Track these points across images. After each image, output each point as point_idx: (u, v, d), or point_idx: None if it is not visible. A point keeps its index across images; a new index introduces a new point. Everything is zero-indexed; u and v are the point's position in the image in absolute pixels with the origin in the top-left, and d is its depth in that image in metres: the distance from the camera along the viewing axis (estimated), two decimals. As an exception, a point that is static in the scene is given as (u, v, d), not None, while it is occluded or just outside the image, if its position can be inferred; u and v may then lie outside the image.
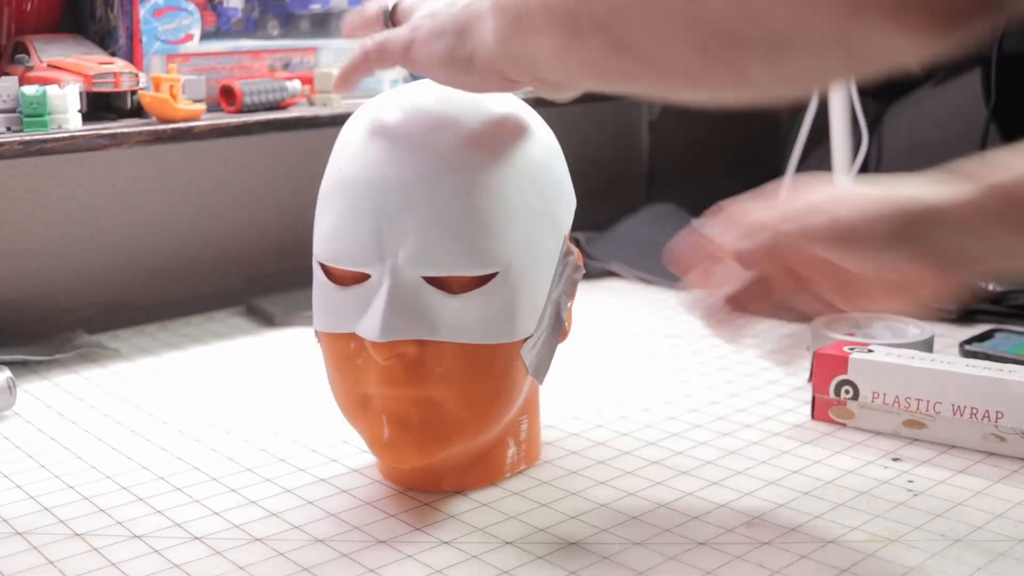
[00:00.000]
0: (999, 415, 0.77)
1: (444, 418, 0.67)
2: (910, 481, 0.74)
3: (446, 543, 0.66)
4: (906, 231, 0.61)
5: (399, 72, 1.23)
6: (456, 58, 0.61)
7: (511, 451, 0.74)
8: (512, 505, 0.71)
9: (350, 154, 0.68)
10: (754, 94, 0.52)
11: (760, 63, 0.46)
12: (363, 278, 0.66)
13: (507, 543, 0.66)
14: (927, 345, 0.91)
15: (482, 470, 0.73)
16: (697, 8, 0.45)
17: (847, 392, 0.83)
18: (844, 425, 0.84)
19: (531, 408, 0.75)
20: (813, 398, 0.85)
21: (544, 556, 0.64)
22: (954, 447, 0.79)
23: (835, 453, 0.79)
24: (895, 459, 0.78)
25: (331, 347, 0.69)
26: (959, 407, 0.79)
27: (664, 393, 0.92)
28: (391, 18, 0.68)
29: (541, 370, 0.71)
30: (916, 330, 0.94)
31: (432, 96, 0.68)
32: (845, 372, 0.83)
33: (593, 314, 1.14)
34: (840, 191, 0.65)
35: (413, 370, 0.65)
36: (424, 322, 0.65)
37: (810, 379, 0.86)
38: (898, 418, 0.81)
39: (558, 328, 0.72)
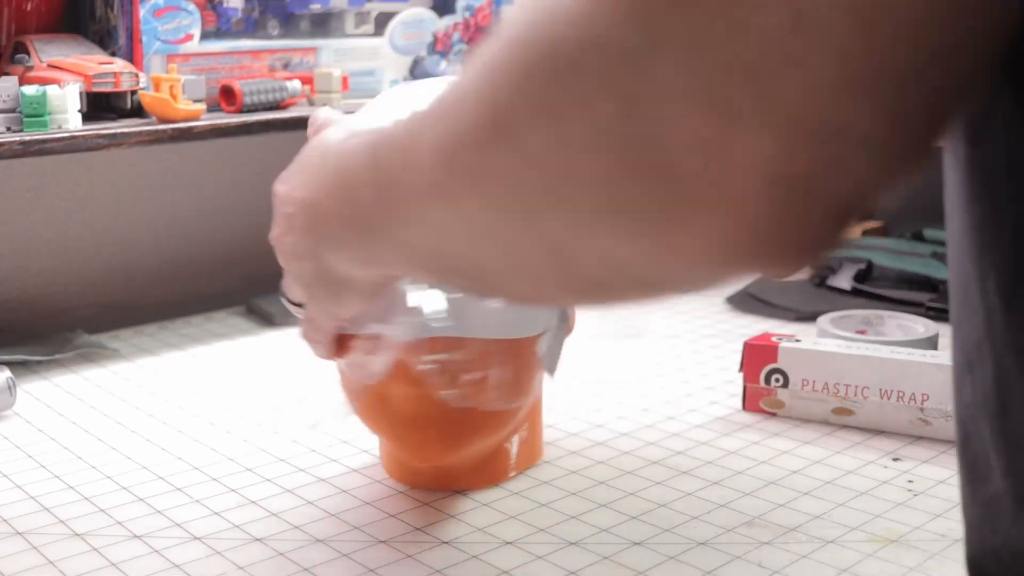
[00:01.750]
0: (924, 398, 0.78)
1: (469, 414, 0.68)
2: (910, 481, 0.74)
3: (446, 543, 0.66)
4: None
5: (399, 72, 1.23)
6: (327, 293, 0.59)
7: (514, 450, 0.75)
8: (512, 505, 0.71)
9: None
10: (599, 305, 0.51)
11: (624, 300, 0.44)
12: (393, 278, 0.67)
13: (507, 543, 0.66)
14: (931, 343, 0.92)
15: (489, 469, 0.74)
16: (565, 266, 0.41)
17: (777, 381, 0.84)
18: (775, 415, 0.85)
19: (534, 407, 0.76)
20: (744, 388, 0.86)
21: (544, 556, 0.64)
22: (883, 432, 0.81)
23: (835, 453, 0.79)
24: (895, 459, 0.78)
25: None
26: (886, 391, 0.80)
27: (664, 393, 0.92)
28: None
29: (553, 364, 0.72)
30: (922, 328, 0.94)
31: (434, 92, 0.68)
32: (775, 361, 0.84)
33: (593, 314, 1.14)
34: None
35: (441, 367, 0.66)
36: (455, 319, 0.66)
37: (740, 369, 0.87)
38: (827, 405, 0.83)
39: (564, 322, 0.73)
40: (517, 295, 0.48)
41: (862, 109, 0.31)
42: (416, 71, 1.24)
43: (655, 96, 0.33)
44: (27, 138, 0.93)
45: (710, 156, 0.33)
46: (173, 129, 1.00)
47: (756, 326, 1.11)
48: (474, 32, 1.27)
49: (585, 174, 0.36)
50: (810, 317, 1.13)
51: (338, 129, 0.56)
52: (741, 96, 0.31)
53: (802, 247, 0.36)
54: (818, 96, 0.31)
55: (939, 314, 1.10)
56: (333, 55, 1.19)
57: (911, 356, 0.81)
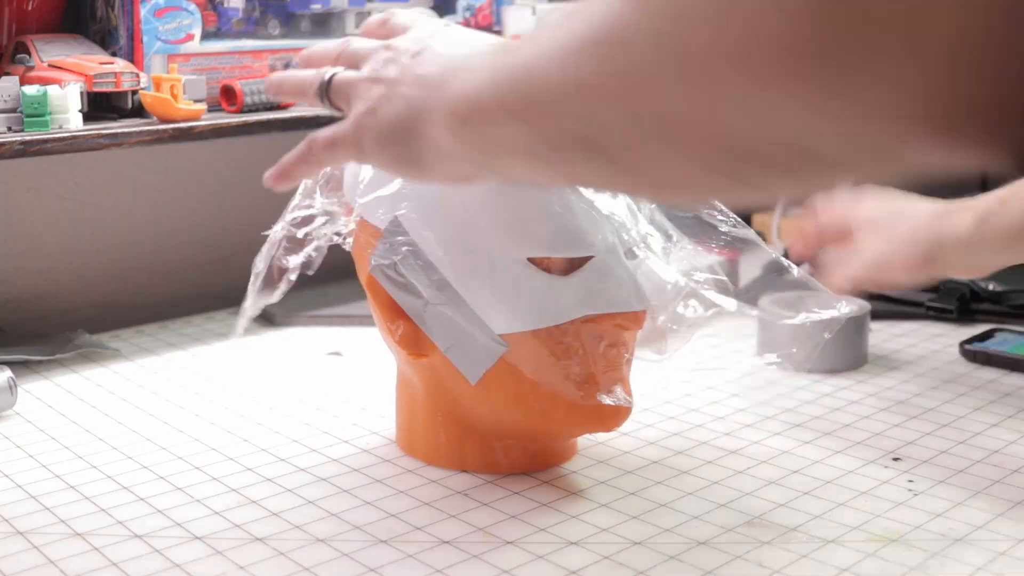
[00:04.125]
0: None
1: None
2: (910, 481, 0.74)
3: (447, 543, 0.66)
4: (929, 264, 0.86)
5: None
6: (408, 160, 0.57)
7: None
8: (512, 504, 0.71)
9: None
10: (757, 200, 0.48)
11: (782, 179, 0.40)
12: (581, 263, 0.69)
13: (507, 543, 0.66)
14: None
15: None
16: (712, 130, 0.38)
17: None
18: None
19: None
20: None
21: (545, 556, 0.64)
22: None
23: (835, 453, 0.79)
24: (895, 459, 0.78)
25: (546, 341, 0.69)
26: None
27: (664, 393, 0.92)
28: (327, 93, 0.64)
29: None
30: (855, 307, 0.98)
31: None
32: None
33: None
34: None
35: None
36: None
37: None
38: None
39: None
40: (638, 169, 0.43)
41: None
42: (416, 71, 1.24)
43: None
44: (28, 138, 0.93)
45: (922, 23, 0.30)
46: (174, 129, 1.00)
47: (755, 325, 1.11)
48: (474, 32, 1.27)
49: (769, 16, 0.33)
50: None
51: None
52: None
53: (991, 121, 0.32)
54: None
55: (939, 314, 1.11)
56: (334, 55, 1.19)
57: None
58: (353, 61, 0.63)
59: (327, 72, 0.63)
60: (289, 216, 0.74)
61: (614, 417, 0.71)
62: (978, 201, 0.85)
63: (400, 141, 0.57)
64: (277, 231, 0.74)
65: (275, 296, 0.74)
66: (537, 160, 0.48)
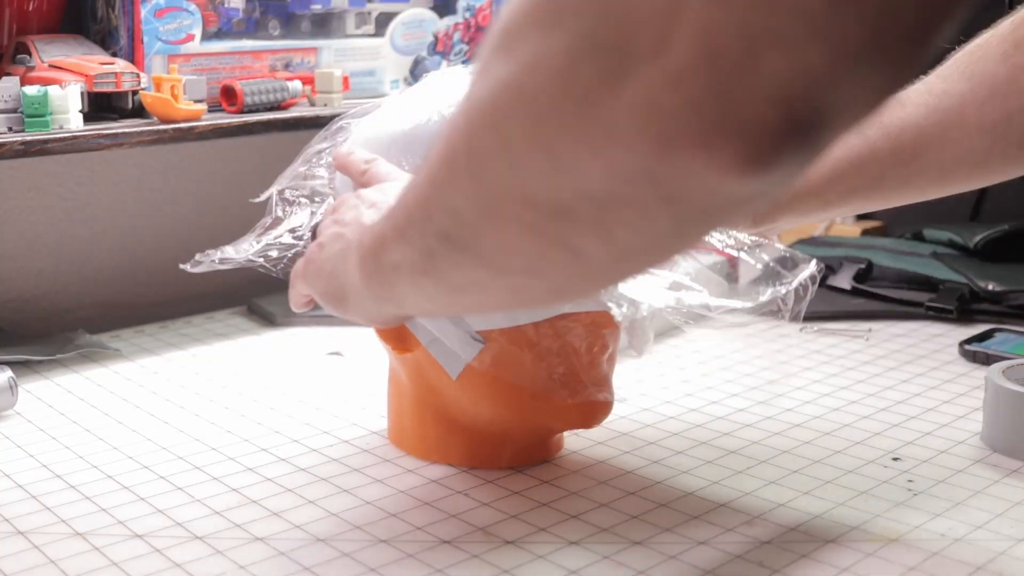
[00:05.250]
0: None
1: None
2: (910, 480, 0.74)
3: (447, 542, 0.66)
4: None
5: (399, 72, 1.23)
6: (330, 295, 0.65)
7: None
8: (512, 504, 0.71)
9: None
10: (598, 279, 0.50)
11: (591, 237, 0.42)
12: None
13: (507, 542, 0.66)
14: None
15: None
16: (520, 186, 0.42)
17: None
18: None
19: None
20: None
21: (545, 556, 0.64)
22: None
23: (835, 453, 0.79)
24: (895, 458, 0.78)
25: (524, 339, 0.71)
26: None
27: (665, 393, 0.92)
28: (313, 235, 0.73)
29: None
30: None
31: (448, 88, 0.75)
32: None
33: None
34: None
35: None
36: None
37: None
38: None
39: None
40: (485, 251, 0.48)
41: None
42: (416, 71, 1.24)
43: None
44: (28, 138, 0.93)
45: (662, 26, 0.33)
46: (174, 129, 1.00)
47: (754, 326, 1.11)
48: (475, 32, 1.27)
49: (551, 61, 0.37)
50: (808, 317, 1.13)
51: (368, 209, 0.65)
52: None
53: (744, 132, 0.34)
54: None
55: (939, 314, 1.11)
56: (334, 55, 1.20)
57: None
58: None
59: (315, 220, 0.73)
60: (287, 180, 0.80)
61: (594, 414, 0.74)
62: None
63: (330, 277, 0.64)
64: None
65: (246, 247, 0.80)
66: (419, 275, 0.53)
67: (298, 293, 0.71)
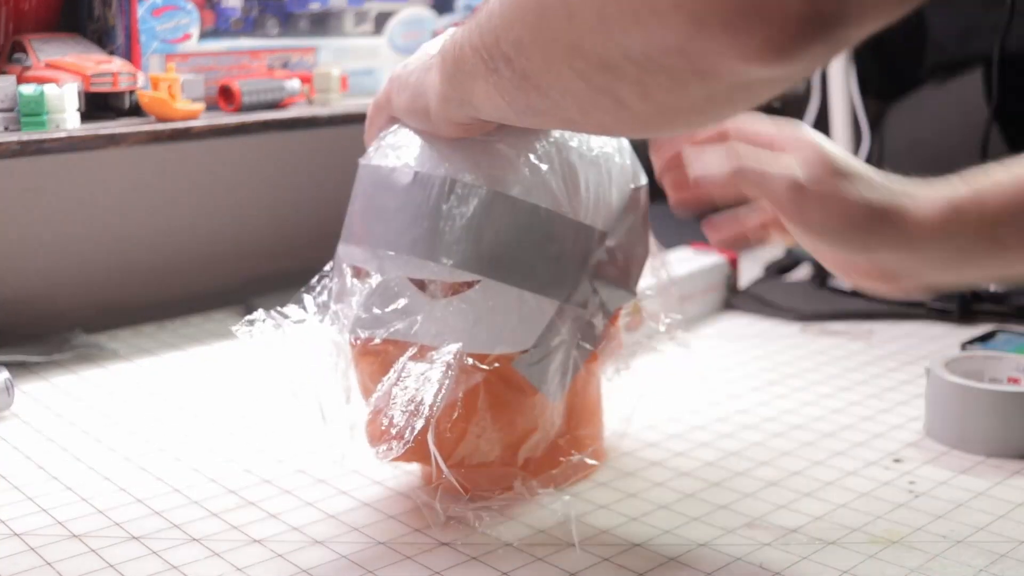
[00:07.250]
0: None
1: None
2: (911, 482, 0.74)
3: (445, 544, 0.66)
4: (876, 234, 0.61)
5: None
6: (415, 109, 0.66)
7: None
8: (512, 506, 0.71)
9: None
10: (640, 127, 0.54)
11: (632, 91, 0.48)
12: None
13: (506, 544, 0.66)
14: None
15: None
16: (573, 36, 0.47)
17: None
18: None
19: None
20: None
21: (543, 557, 0.64)
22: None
23: (836, 454, 0.79)
24: (896, 460, 0.78)
25: None
26: None
27: (664, 393, 0.91)
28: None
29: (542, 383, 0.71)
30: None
31: None
32: None
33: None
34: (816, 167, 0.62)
35: None
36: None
37: None
38: None
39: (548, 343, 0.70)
40: (543, 85, 0.53)
41: None
42: (415, 70, 1.24)
43: None
44: (25, 138, 0.92)
45: None
46: (172, 129, 1.00)
47: (756, 326, 1.11)
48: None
49: None
50: (811, 317, 1.13)
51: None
52: None
53: (770, 19, 0.36)
54: None
55: (941, 315, 1.10)
56: (332, 54, 1.19)
57: None
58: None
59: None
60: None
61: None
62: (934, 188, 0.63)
63: (415, 89, 0.66)
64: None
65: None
66: (491, 88, 0.57)
67: (376, 128, 0.72)
